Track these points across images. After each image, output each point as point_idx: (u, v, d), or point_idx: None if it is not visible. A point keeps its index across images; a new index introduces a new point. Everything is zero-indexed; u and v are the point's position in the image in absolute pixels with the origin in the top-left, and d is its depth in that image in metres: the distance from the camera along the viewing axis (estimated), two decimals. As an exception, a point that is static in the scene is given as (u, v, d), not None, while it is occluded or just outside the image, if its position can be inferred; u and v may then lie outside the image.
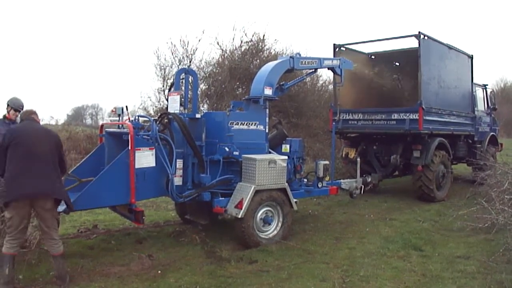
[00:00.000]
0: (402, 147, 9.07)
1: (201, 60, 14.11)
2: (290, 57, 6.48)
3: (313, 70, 7.66)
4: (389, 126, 8.95)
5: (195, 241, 5.78)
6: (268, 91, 6.04)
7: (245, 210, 5.35)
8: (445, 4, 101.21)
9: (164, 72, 13.48)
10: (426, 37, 8.52)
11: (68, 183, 5.10)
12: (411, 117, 8.55)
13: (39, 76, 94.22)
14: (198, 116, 5.76)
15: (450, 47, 9.61)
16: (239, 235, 5.55)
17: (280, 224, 5.83)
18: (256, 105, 6.01)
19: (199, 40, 13.57)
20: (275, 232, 5.78)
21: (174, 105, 5.75)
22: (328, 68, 7.48)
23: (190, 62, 13.37)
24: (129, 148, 4.88)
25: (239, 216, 5.35)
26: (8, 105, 5.33)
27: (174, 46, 13.34)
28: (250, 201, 5.39)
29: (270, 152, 6.22)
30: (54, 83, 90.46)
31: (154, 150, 5.13)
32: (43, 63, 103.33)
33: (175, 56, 13.41)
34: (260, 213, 5.66)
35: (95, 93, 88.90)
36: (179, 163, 5.48)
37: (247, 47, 14.20)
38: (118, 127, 5.79)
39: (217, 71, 13.99)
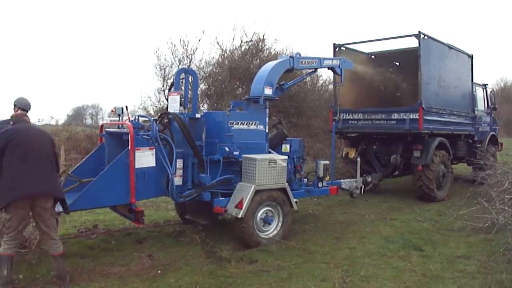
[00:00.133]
0: (402, 147, 9.07)
1: (201, 60, 14.14)
2: (290, 57, 6.48)
3: (313, 70, 7.66)
4: (389, 126, 8.95)
5: (195, 241, 5.77)
6: (268, 91, 6.04)
7: (245, 210, 5.35)
8: (445, 4, 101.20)
9: (164, 72, 13.50)
10: (426, 37, 8.52)
11: (69, 183, 5.11)
12: (411, 117, 8.55)
13: (40, 76, 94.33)
14: (198, 116, 5.76)
15: (450, 47, 9.60)
16: (239, 235, 5.55)
17: (280, 224, 5.83)
18: (256, 105, 6.01)
19: (199, 40, 13.56)
20: (275, 232, 5.78)
21: (174, 105, 5.75)
22: (328, 68, 7.47)
23: (190, 62, 13.37)
24: (129, 148, 4.88)
25: (239, 216, 5.35)
26: (15, 105, 5.33)
27: (174, 46, 13.36)
28: (250, 201, 5.39)
29: (270, 152, 6.21)
30: (54, 83, 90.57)
31: (154, 150, 5.13)
32: (44, 63, 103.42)
33: (175, 56, 13.44)
34: (260, 213, 5.66)
35: (95, 93, 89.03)
36: (179, 163, 5.48)
37: (247, 47, 14.19)
38: (118, 127, 5.79)
39: (217, 71, 13.98)
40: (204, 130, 5.69)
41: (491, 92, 12.17)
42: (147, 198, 6.11)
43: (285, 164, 5.85)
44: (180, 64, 13.24)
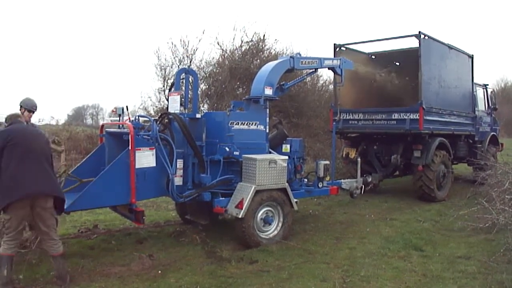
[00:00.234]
0: (403, 147, 9.07)
1: (201, 60, 14.12)
2: (290, 57, 6.47)
3: (314, 70, 7.66)
4: (390, 126, 8.94)
5: (195, 241, 5.77)
6: (269, 91, 6.03)
7: (246, 210, 5.35)
8: (445, 4, 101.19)
9: (165, 72, 13.50)
10: (426, 37, 8.52)
11: (69, 183, 5.11)
12: (411, 117, 8.55)
13: (40, 76, 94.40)
14: (198, 116, 5.76)
15: (450, 47, 9.60)
16: (239, 235, 5.55)
17: (280, 224, 5.83)
18: (256, 105, 6.00)
19: (200, 40, 13.62)
20: (276, 232, 5.77)
21: (175, 105, 5.75)
22: (329, 68, 7.46)
23: (190, 62, 13.37)
24: (130, 148, 4.88)
25: (240, 216, 5.35)
26: (21, 106, 5.32)
27: (175, 46, 13.36)
28: (250, 201, 5.39)
29: (270, 152, 6.21)
30: (54, 83, 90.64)
31: (154, 150, 5.13)
32: (44, 63, 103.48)
33: (176, 56, 13.44)
34: (261, 213, 5.66)
35: (95, 93, 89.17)
36: (180, 163, 5.47)
37: (248, 47, 14.19)
38: (119, 127, 5.79)
39: (217, 71, 13.98)
40: (205, 130, 5.69)
41: (491, 92, 12.17)
42: (148, 198, 6.11)
43: (286, 164, 5.84)
44: (180, 64, 13.24)
